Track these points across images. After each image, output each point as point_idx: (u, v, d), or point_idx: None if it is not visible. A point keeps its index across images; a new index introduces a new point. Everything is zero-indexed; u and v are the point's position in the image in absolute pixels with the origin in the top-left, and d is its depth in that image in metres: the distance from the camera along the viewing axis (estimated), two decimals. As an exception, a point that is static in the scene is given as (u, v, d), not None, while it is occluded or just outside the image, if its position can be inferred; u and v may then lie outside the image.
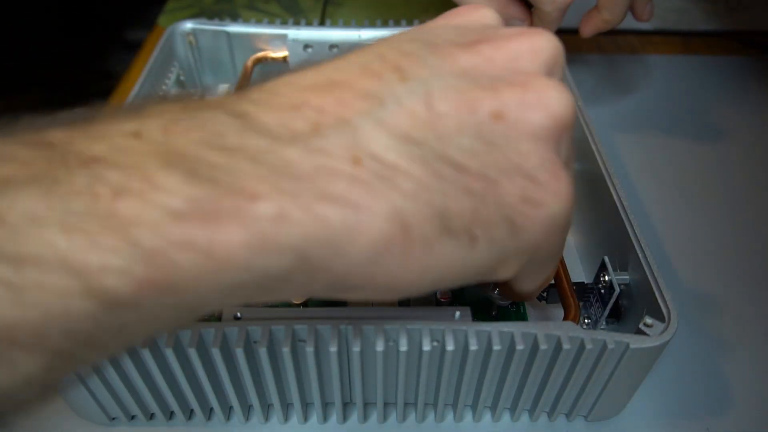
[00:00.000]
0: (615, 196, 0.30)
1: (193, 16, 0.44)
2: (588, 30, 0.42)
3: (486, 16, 0.20)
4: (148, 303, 0.13)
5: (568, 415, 0.28)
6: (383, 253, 0.15)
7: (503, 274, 0.18)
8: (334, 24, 0.44)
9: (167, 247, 0.13)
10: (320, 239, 0.14)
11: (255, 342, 0.23)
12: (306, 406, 0.28)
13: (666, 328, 0.24)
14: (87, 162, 0.14)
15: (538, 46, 0.18)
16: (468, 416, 0.28)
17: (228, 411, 0.28)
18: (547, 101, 0.17)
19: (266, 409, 0.28)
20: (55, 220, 0.12)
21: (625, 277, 0.28)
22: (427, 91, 0.16)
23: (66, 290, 0.12)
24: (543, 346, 0.23)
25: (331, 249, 0.15)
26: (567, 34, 0.60)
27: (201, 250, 0.13)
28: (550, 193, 0.17)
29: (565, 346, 0.23)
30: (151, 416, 0.28)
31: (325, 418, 0.28)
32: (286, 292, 0.16)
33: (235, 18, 0.54)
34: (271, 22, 0.44)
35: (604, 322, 0.29)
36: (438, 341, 0.24)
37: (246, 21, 0.44)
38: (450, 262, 0.16)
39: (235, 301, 0.15)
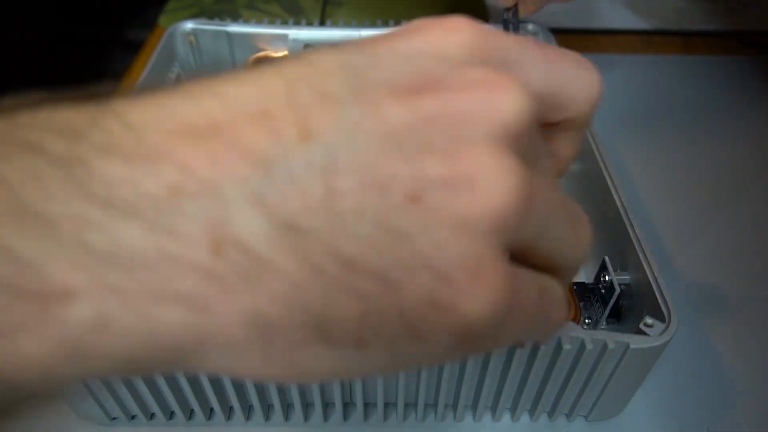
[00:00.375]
0: (615, 196, 0.30)
1: (193, 16, 0.44)
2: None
3: (455, 44, 0.15)
4: None
5: (568, 415, 0.28)
6: (237, 358, 0.13)
7: (396, 369, 0.15)
8: (335, 24, 0.44)
9: None
10: (156, 348, 0.12)
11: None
12: (306, 406, 0.28)
13: (666, 328, 0.24)
14: None
15: (499, 107, 0.13)
16: (468, 416, 0.28)
17: (228, 411, 0.28)
18: (485, 185, 0.13)
19: (267, 409, 0.28)
20: None
21: (626, 277, 0.28)
22: (330, 162, 0.12)
23: None
24: (543, 347, 0.23)
25: (171, 353, 0.12)
26: (567, 34, 0.60)
27: None
28: (465, 295, 0.13)
29: (565, 346, 0.23)
30: (152, 416, 0.28)
31: (325, 418, 0.28)
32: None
33: (235, 18, 0.54)
34: (271, 22, 0.44)
35: (604, 322, 0.29)
36: (438, 341, 0.23)
37: (246, 21, 0.44)
38: (334, 366, 0.14)
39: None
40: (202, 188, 0.12)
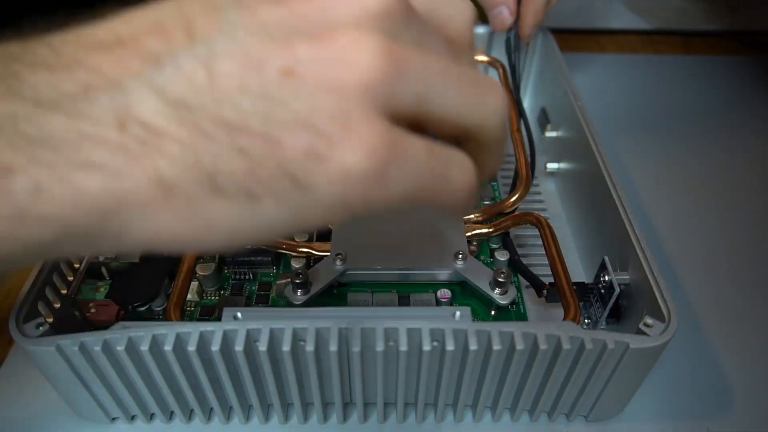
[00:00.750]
0: (615, 196, 0.30)
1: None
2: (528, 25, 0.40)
3: None
4: None
5: (568, 415, 0.28)
6: (151, 214, 0.16)
7: (320, 223, 0.17)
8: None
9: None
10: (84, 208, 0.15)
11: (255, 342, 0.23)
12: (306, 406, 0.28)
13: (666, 328, 0.24)
14: None
15: (363, 2, 0.16)
16: (468, 416, 0.28)
17: (228, 411, 0.28)
18: (350, 57, 0.16)
19: (266, 409, 0.28)
20: None
21: (625, 277, 0.28)
22: (211, 53, 0.16)
23: None
24: (543, 346, 0.23)
25: (99, 215, 0.15)
26: (567, 34, 0.60)
27: None
28: (339, 147, 0.15)
29: (565, 346, 0.23)
30: (152, 416, 0.28)
31: (325, 418, 0.28)
32: (88, 250, 0.17)
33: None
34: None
35: (604, 322, 0.29)
36: (438, 341, 0.24)
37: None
38: (233, 220, 0.16)
39: (43, 258, 0.16)
40: (108, 83, 0.15)
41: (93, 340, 0.23)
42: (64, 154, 0.15)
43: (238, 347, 0.23)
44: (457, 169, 0.18)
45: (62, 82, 0.15)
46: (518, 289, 0.32)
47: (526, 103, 0.48)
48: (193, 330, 0.23)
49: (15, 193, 0.14)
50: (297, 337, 0.23)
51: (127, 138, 0.15)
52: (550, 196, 0.40)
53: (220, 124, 0.15)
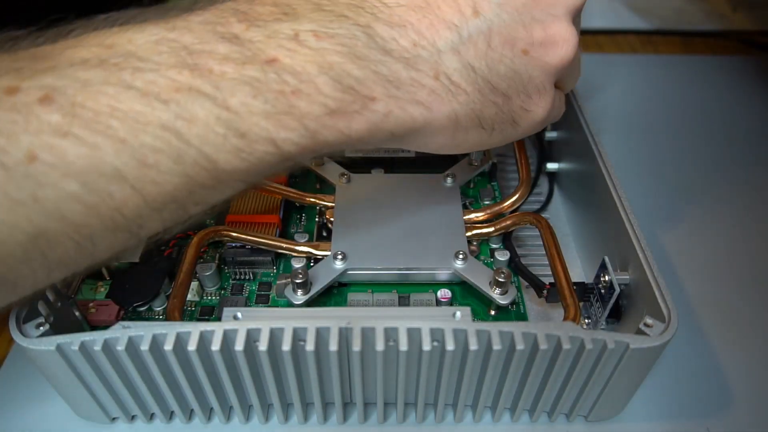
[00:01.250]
0: (615, 196, 0.30)
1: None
2: None
3: None
4: (302, 158, 0.22)
5: (568, 416, 0.28)
6: (439, 135, 0.25)
7: (505, 141, 0.28)
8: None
9: (323, 129, 0.22)
10: (408, 127, 0.24)
11: (255, 342, 0.23)
12: (306, 406, 0.28)
13: (666, 328, 0.24)
14: (268, 61, 0.21)
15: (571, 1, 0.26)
16: (468, 416, 0.28)
17: (228, 411, 0.28)
18: (561, 45, 0.26)
19: (266, 409, 0.28)
20: (260, 110, 0.21)
21: (625, 277, 0.28)
22: (489, 27, 0.24)
23: (268, 153, 0.21)
24: (543, 346, 0.23)
25: (413, 132, 0.24)
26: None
27: (341, 132, 0.22)
28: (537, 105, 0.27)
29: (565, 346, 0.23)
30: (152, 416, 0.28)
31: (325, 418, 0.28)
32: (380, 145, 0.25)
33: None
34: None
35: (604, 322, 0.29)
36: (438, 341, 0.24)
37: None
38: (479, 140, 0.27)
39: (357, 147, 0.24)
40: (429, 44, 0.23)
41: (93, 340, 0.23)
42: (404, 92, 0.23)
43: (238, 347, 0.23)
44: (564, 103, 0.31)
45: (400, 38, 0.23)
46: (518, 289, 0.32)
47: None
48: (193, 330, 0.23)
49: (375, 114, 0.22)
50: (297, 337, 0.23)
51: (438, 85, 0.24)
52: (550, 197, 0.40)
53: (487, 84, 0.25)
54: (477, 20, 0.24)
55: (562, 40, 0.25)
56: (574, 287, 0.29)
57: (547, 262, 0.31)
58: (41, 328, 0.24)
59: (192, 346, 0.23)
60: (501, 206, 0.35)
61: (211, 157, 0.20)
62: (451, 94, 0.24)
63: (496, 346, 0.23)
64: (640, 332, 0.24)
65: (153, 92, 0.20)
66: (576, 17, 0.27)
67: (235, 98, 0.20)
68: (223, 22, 0.21)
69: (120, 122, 0.19)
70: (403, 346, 0.23)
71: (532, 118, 0.27)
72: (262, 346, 0.23)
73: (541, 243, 0.32)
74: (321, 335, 0.23)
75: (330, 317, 0.24)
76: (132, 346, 0.23)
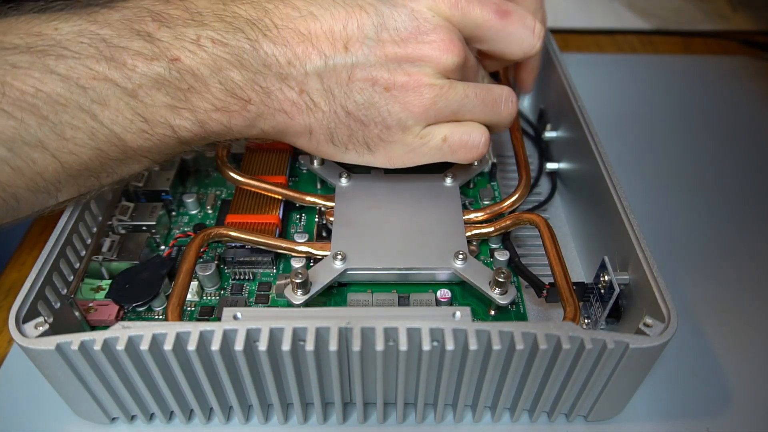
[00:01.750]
0: (615, 196, 0.30)
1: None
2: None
3: (442, 11, 0.29)
4: (195, 143, 0.28)
5: (568, 415, 0.28)
6: (298, 138, 0.30)
7: (365, 163, 0.31)
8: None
9: (210, 121, 0.27)
10: (273, 127, 0.29)
11: (255, 342, 0.23)
12: (306, 406, 0.28)
13: (666, 328, 0.24)
14: (173, 60, 0.25)
15: (439, 58, 0.28)
16: (468, 416, 0.28)
17: (228, 411, 0.28)
18: (423, 93, 0.28)
19: (266, 409, 0.28)
20: (162, 102, 0.25)
21: (625, 277, 0.28)
22: (353, 63, 0.28)
23: (167, 136, 0.26)
24: (543, 346, 0.23)
25: (278, 132, 0.29)
26: (567, 34, 0.60)
27: (224, 125, 0.27)
28: (391, 138, 0.30)
29: (565, 346, 0.23)
30: (151, 416, 0.28)
31: (325, 418, 0.28)
32: (257, 138, 0.30)
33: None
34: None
35: (604, 322, 0.29)
36: (438, 341, 0.24)
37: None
38: (333, 153, 0.31)
39: (233, 138, 0.29)
40: (300, 63, 0.27)
41: (93, 340, 0.23)
42: (273, 100, 0.27)
43: (238, 347, 0.23)
44: (480, 143, 0.32)
45: (279, 56, 0.27)
46: (518, 289, 0.32)
47: (526, 103, 0.48)
48: (193, 330, 0.23)
49: (249, 113, 0.27)
50: (297, 337, 0.23)
51: (301, 100, 0.28)
52: (550, 196, 0.40)
53: (343, 108, 0.28)
54: (345, 55, 0.27)
55: (422, 87, 0.28)
56: (574, 287, 0.29)
57: (547, 262, 0.31)
58: (41, 328, 0.24)
59: (192, 346, 0.23)
60: (501, 206, 0.35)
61: (120, 136, 0.25)
62: (309, 110, 0.28)
63: (496, 346, 0.23)
64: (639, 332, 0.24)
65: (73, 78, 0.24)
66: (451, 74, 0.29)
67: (142, 90, 0.25)
68: (139, 20, 0.25)
69: (43, 102, 0.23)
70: (403, 346, 0.23)
71: (390, 148, 0.30)
72: (262, 346, 0.23)
73: (541, 243, 0.32)
74: (321, 335, 0.23)
75: (330, 317, 0.24)
76: (132, 346, 0.23)
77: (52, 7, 0.26)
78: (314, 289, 0.30)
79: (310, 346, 0.23)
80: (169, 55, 0.25)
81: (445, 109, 0.29)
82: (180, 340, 0.23)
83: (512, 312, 0.32)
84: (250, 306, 0.32)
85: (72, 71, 0.24)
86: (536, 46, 0.31)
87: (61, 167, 0.25)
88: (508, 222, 0.33)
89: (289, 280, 0.30)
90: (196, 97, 0.26)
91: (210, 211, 0.37)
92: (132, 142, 0.26)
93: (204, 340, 0.23)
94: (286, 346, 0.23)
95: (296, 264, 0.32)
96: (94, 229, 0.33)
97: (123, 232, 0.34)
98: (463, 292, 0.32)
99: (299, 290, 0.30)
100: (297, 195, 0.35)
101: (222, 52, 0.26)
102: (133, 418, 0.28)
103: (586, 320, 0.31)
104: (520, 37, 0.31)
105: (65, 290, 0.29)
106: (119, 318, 0.31)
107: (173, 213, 0.37)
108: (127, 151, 0.26)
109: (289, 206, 0.37)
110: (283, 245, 0.32)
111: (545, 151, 0.43)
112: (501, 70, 0.42)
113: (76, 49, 0.24)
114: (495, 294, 0.30)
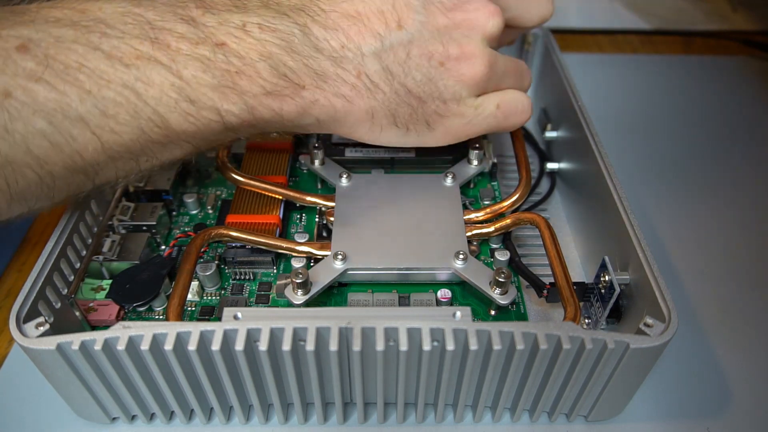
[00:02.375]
0: (615, 196, 0.30)
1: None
2: None
3: None
4: (242, 131, 0.27)
5: (568, 415, 0.28)
6: (359, 126, 0.29)
7: (422, 144, 0.31)
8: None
9: (260, 107, 0.26)
10: (331, 115, 0.28)
11: (255, 342, 0.23)
12: (306, 406, 0.28)
13: (666, 328, 0.24)
14: (218, 44, 0.25)
15: (485, 24, 0.29)
16: (468, 416, 0.28)
17: (228, 411, 0.28)
18: (474, 61, 0.29)
19: (266, 409, 0.28)
20: (208, 83, 0.24)
21: (626, 277, 0.28)
22: (410, 40, 0.28)
23: (212, 121, 0.25)
24: (543, 346, 0.23)
25: (336, 121, 0.28)
26: (567, 34, 0.60)
27: (275, 111, 0.26)
28: (453, 112, 0.30)
29: (565, 346, 0.23)
30: (152, 416, 0.28)
31: (325, 418, 0.28)
32: (310, 129, 0.29)
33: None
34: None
35: (604, 322, 0.29)
36: (438, 341, 0.24)
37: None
38: (395, 137, 0.30)
39: (284, 129, 0.28)
40: (355, 47, 0.27)
41: (93, 339, 0.23)
42: (330, 85, 0.27)
43: (238, 347, 0.23)
44: (519, 108, 0.32)
45: (331, 39, 0.26)
46: (518, 289, 0.32)
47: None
48: (193, 330, 0.23)
49: (304, 99, 0.26)
50: (297, 337, 0.23)
51: (360, 83, 0.27)
52: (550, 196, 0.40)
53: (403, 87, 0.28)
54: (400, 32, 0.27)
55: (475, 57, 0.29)
56: (574, 287, 0.29)
57: (547, 262, 0.31)
58: (41, 328, 0.24)
59: (192, 346, 0.23)
60: (501, 206, 0.35)
61: (163, 117, 0.24)
62: (370, 91, 0.27)
63: (496, 346, 0.23)
64: (640, 332, 0.24)
65: (116, 56, 0.23)
66: (492, 42, 0.30)
67: (188, 70, 0.24)
68: (183, 5, 0.25)
69: (86, 77, 0.22)
70: (403, 346, 0.23)
71: (449, 123, 0.30)
72: (263, 346, 0.23)
73: (541, 243, 0.32)
74: (321, 335, 0.23)
75: (330, 317, 0.24)
76: (132, 346, 0.23)
77: None
78: (314, 289, 0.30)
79: (310, 346, 0.23)
80: (214, 40, 0.24)
81: (494, 77, 0.30)
82: (180, 340, 0.23)
83: (512, 312, 0.32)
84: (250, 306, 0.32)
85: (116, 50, 0.23)
86: (551, 10, 0.34)
87: (101, 147, 0.24)
88: (508, 222, 0.33)
89: (289, 280, 0.30)
90: (246, 80, 0.25)
91: (210, 211, 0.37)
92: (176, 124, 0.25)
93: (204, 340, 0.23)
94: (286, 346, 0.23)
95: (296, 264, 0.32)
96: (95, 229, 0.33)
97: (123, 232, 0.34)
98: (463, 292, 0.32)
99: (299, 290, 0.30)
100: (297, 195, 0.35)
101: (271, 38, 0.25)
102: (133, 418, 0.28)
103: (586, 320, 0.31)
104: (538, 3, 0.33)
105: (66, 290, 0.29)
106: (120, 318, 0.31)
107: (174, 213, 0.37)
108: (170, 133, 0.25)
109: (290, 206, 0.37)
110: (284, 245, 0.32)
111: (545, 151, 0.43)
112: None
113: (121, 28, 0.23)
114: (495, 294, 0.30)
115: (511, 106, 0.31)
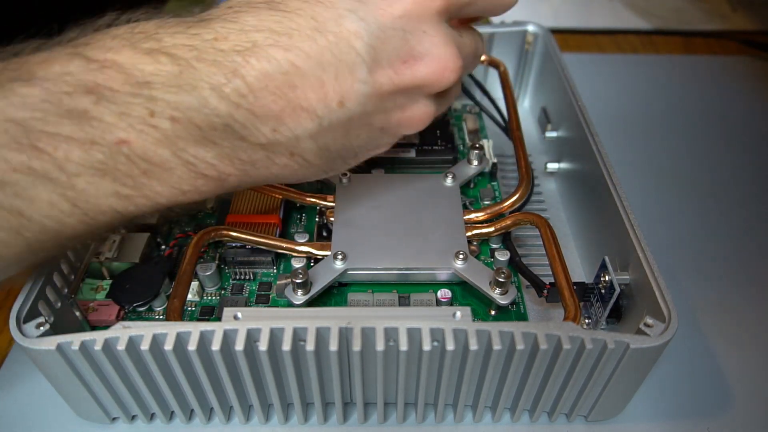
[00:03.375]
0: (615, 196, 0.30)
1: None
2: None
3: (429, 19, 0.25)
4: (149, 215, 0.27)
5: (568, 416, 0.28)
6: (289, 181, 0.28)
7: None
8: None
9: (175, 201, 0.23)
10: (261, 182, 0.26)
11: (255, 342, 0.23)
12: (306, 406, 0.28)
13: (666, 328, 0.24)
14: (119, 143, 0.21)
15: (435, 84, 0.26)
16: (468, 416, 0.28)
17: (228, 411, 0.28)
18: (413, 126, 0.27)
19: (266, 409, 0.28)
20: (109, 190, 0.21)
21: (626, 277, 0.28)
22: (350, 117, 0.24)
23: (114, 218, 0.23)
24: (543, 346, 0.23)
25: (267, 182, 0.26)
26: (567, 34, 0.60)
27: (194, 198, 0.24)
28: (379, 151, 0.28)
29: (565, 346, 0.23)
30: (152, 416, 0.28)
31: (325, 418, 0.28)
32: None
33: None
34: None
35: (604, 322, 0.29)
36: (438, 341, 0.24)
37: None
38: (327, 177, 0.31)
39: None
40: (287, 130, 0.23)
41: (93, 340, 0.23)
42: (258, 167, 0.24)
43: (238, 347, 0.23)
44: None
45: (261, 126, 0.23)
46: (518, 289, 0.32)
47: (527, 103, 0.48)
48: (193, 330, 0.23)
49: (228, 183, 0.24)
50: (297, 337, 0.23)
51: (292, 161, 0.25)
52: (550, 196, 0.40)
53: (339, 155, 0.27)
54: (340, 111, 0.24)
55: (418, 120, 0.27)
56: (574, 287, 0.29)
57: (547, 262, 0.31)
58: (41, 328, 0.24)
59: (192, 346, 0.23)
60: (501, 206, 0.35)
61: (54, 228, 0.21)
62: (303, 167, 0.25)
63: (496, 346, 0.23)
64: (640, 332, 0.24)
65: None
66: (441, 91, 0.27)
67: (81, 179, 0.21)
68: (69, 93, 0.20)
69: None
70: (403, 346, 0.23)
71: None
72: (263, 346, 0.23)
73: (541, 243, 0.32)
74: (321, 335, 0.23)
75: (330, 317, 0.24)
76: (132, 346, 0.23)
77: None
78: (315, 289, 0.30)
79: (310, 346, 0.23)
80: (111, 138, 0.20)
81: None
82: (180, 340, 0.23)
83: (512, 312, 0.32)
84: (250, 306, 0.32)
85: None
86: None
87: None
88: (508, 222, 0.33)
89: (289, 280, 0.30)
90: (155, 181, 0.22)
91: (210, 211, 0.37)
92: (70, 230, 0.22)
93: (204, 340, 0.23)
94: (286, 346, 0.23)
95: (297, 264, 0.32)
96: (95, 229, 0.33)
97: (123, 231, 0.34)
98: (463, 292, 0.32)
99: (300, 290, 0.30)
100: (297, 195, 0.35)
101: (184, 132, 0.21)
102: (133, 418, 0.28)
103: (586, 320, 0.31)
104: None
105: (66, 290, 0.29)
106: (120, 318, 0.31)
107: (173, 213, 0.37)
108: (61, 240, 0.22)
109: (290, 206, 0.37)
110: (284, 245, 0.32)
111: (545, 151, 0.43)
112: None
113: None
114: (495, 294, 0.30)
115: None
